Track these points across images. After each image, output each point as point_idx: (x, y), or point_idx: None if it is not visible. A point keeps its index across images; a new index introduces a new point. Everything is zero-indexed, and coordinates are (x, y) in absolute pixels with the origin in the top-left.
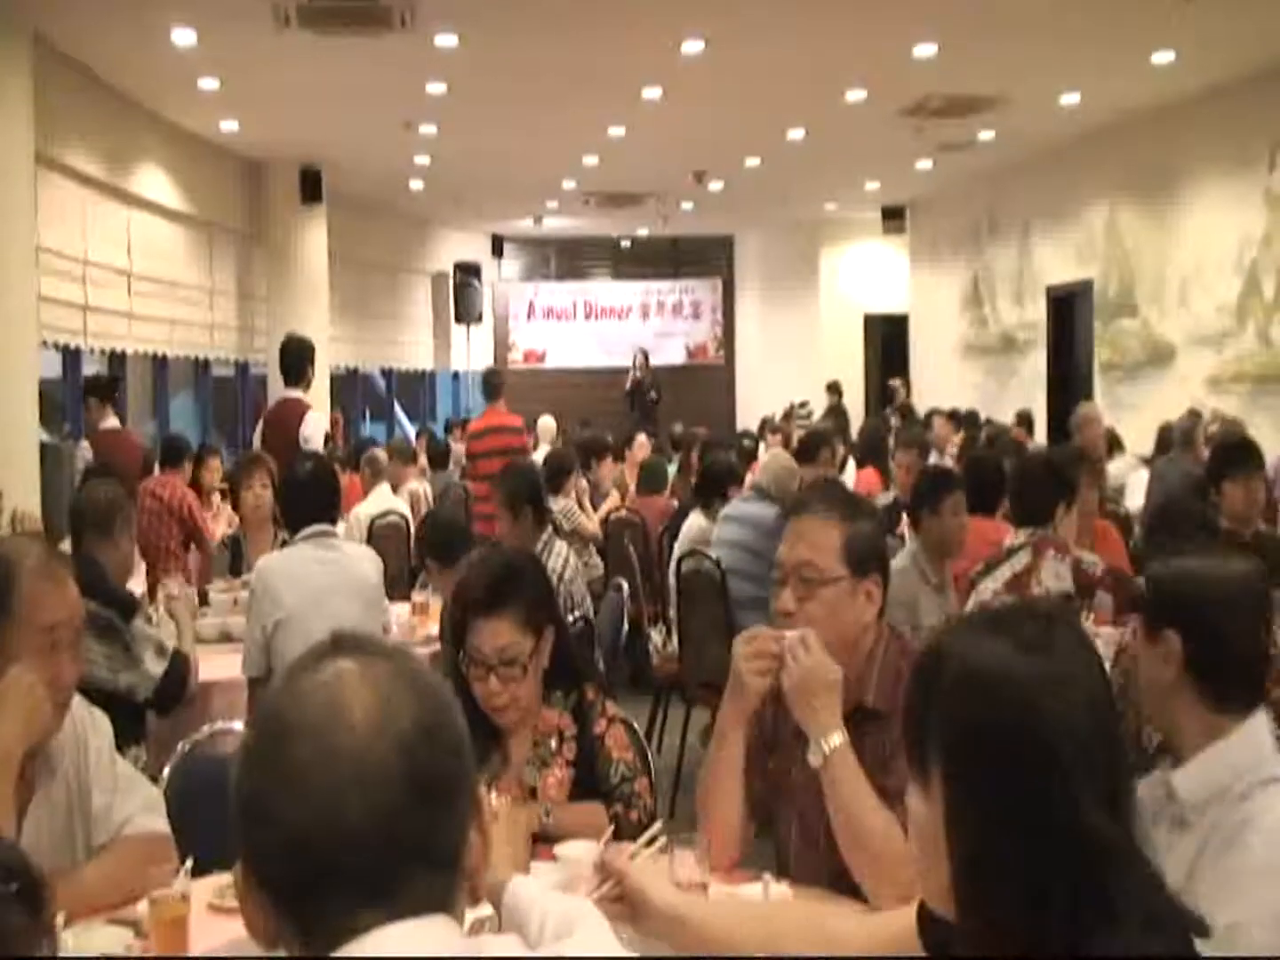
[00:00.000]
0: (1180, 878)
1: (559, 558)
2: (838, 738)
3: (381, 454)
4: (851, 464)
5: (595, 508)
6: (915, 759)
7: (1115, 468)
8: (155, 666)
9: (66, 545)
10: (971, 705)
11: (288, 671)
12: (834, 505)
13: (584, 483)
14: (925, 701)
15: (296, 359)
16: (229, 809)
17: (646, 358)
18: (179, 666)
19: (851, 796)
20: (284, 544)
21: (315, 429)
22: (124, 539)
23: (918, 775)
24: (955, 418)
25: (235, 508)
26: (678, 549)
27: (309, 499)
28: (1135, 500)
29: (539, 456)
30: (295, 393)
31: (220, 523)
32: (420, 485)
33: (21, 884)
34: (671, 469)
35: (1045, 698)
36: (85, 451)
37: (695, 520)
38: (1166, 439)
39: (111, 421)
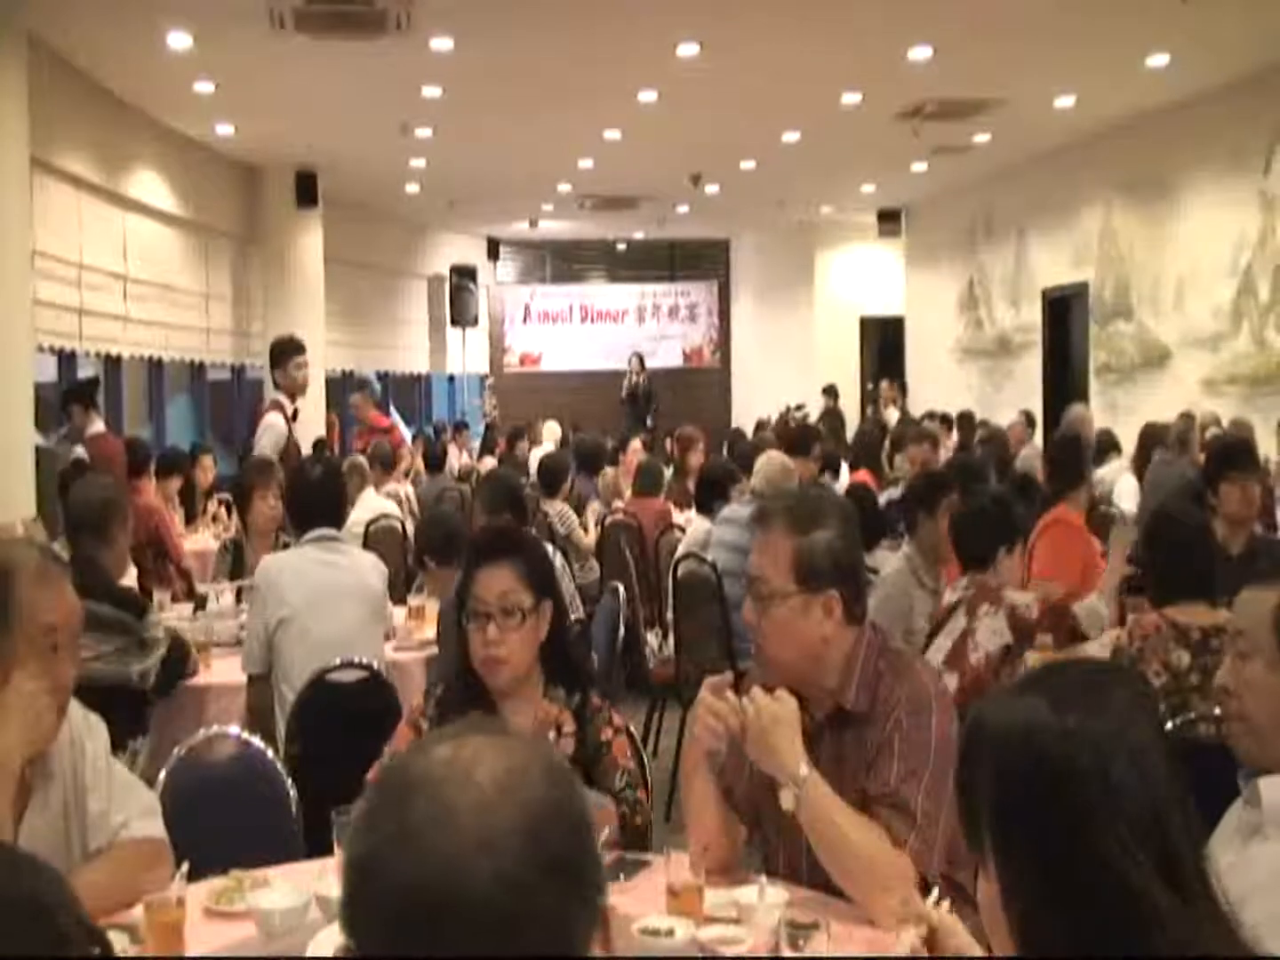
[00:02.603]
0: (1249, 887)
1: None
2: (803, 769)
3: (363, 460)
4: (845, 466)
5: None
6: (972, 837)
7: (1109, 471)
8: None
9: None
10: (1005, 766)
11: (416, 743)
12: (790, 518)
13: (579, 489)
14: (971, 774)
15: (272, 360)
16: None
17: (642, 362)
18: (179, 648)
19: (831, 824)
20: (285, 546)
21: (263, 431)
22: (120, 538)
23: (977, 852)
24: (946, 420)
25: (241, 513)
26: (680, 552)
27: (316, 502)
28: (1126, 503)
29: (535, 459)
30: (278, 393)
31: (211, 528)
32: (400, 487)
33: (101, 948)
34: (668, 472)
35: (1077, 754)
36: (78, 452)
37: (699, 524)
38: (1149, 441)
39: (97, 426)
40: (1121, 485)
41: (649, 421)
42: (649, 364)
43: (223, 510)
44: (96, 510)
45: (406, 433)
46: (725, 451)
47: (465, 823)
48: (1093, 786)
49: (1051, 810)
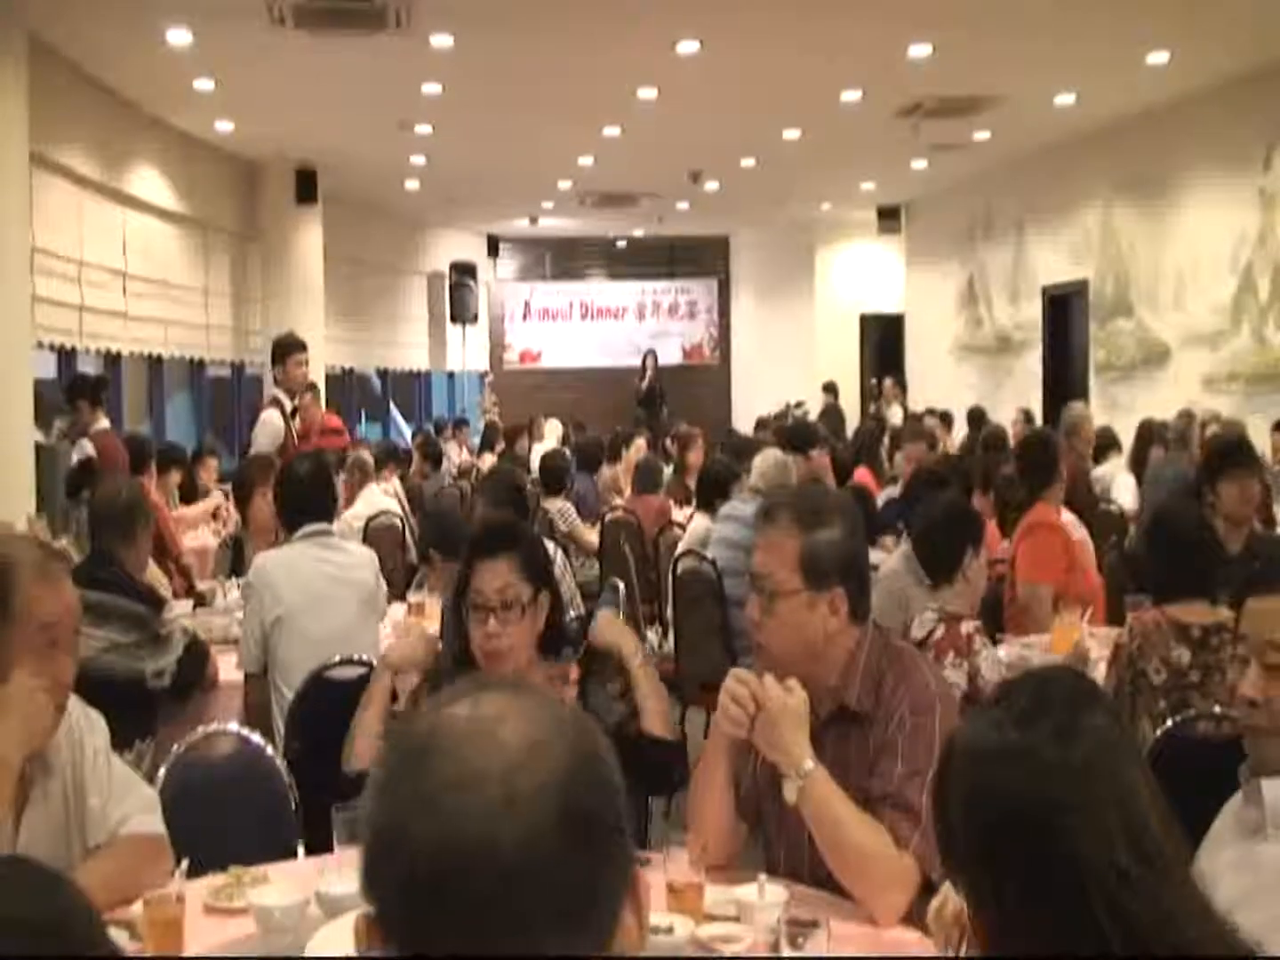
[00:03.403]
0: (1250, 887)
1: None
2: (808, 763)
3: (368, 457)
4: None
5: (596, 513)
6: (945, 854)
7: (1108, 468)
8: (181, 651)
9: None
10: (968, 782)
11: (429, 704)
12: (796, 515)
13: (578, 487)
14: (945, 793)
15: (272, 357)
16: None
17: (656, 359)
18: (198, 649)
19: (834, 820)
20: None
21: (260, 431)
22: (142, 538)
23: (950, 870)
24: (946, 418)
25: (242, 510)
26: (680, 549)
27: (307, 498)
28: (1123, 499)
29: (536, 456)
30: (278, 390)
31: (210, 524)
32: (390, 484)
33: None
34: (668, 470)
35: (1048, 777)
36: (87, 447)
37: (699, 522)
38: (1146, 438)
39: (103, 423)
40: (1119, 482)
41: (664, 416)
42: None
43: (224, 507)
44: (120, 509)
45: (406, 430)
46: (718, 450)
47: (490, 783)
48: (1067, 811)
49: (1018, 829)
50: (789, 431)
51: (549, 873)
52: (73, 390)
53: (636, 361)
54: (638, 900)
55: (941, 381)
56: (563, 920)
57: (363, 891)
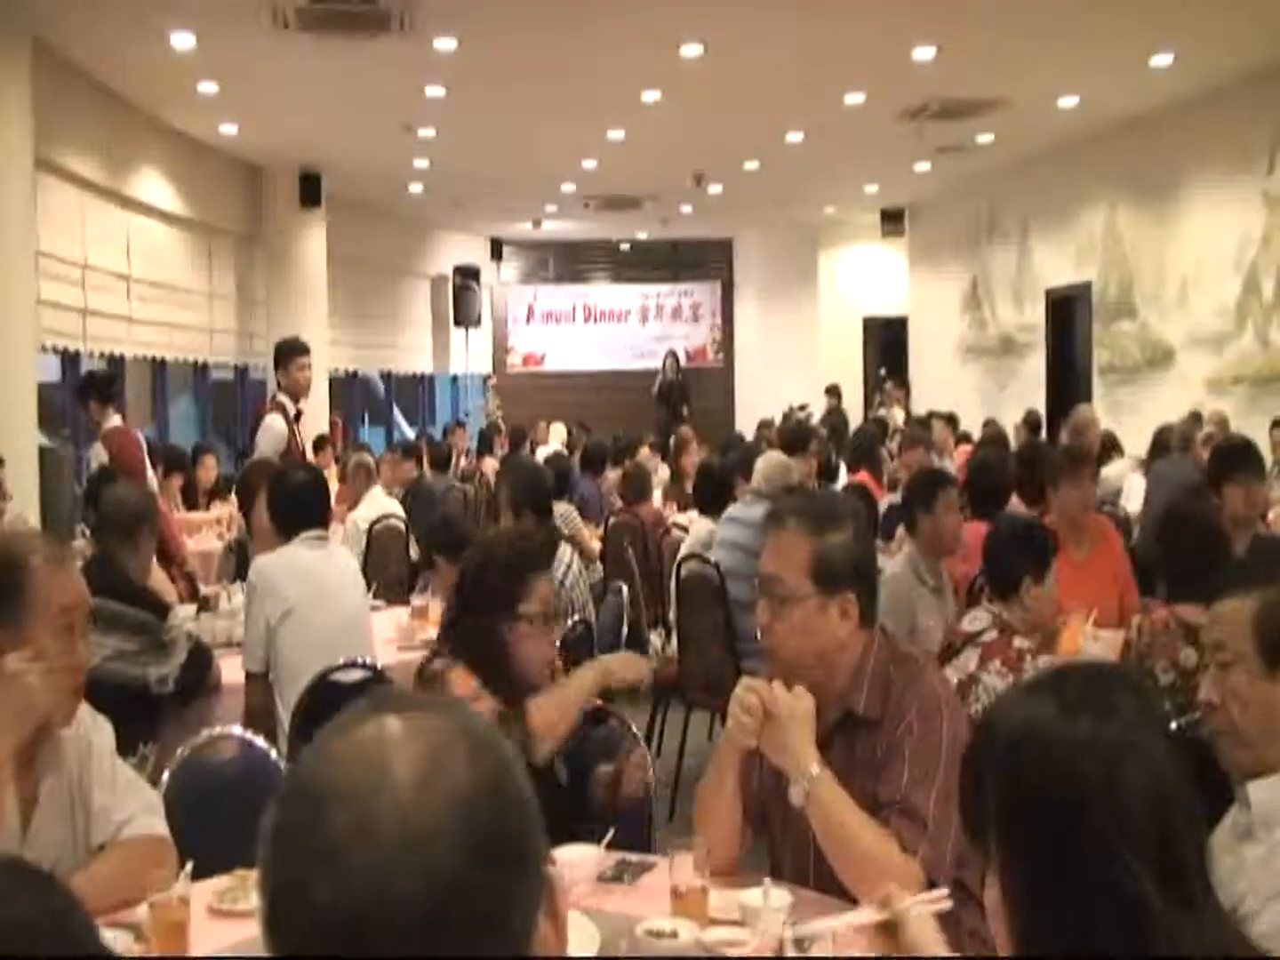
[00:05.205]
0: (1239, 888)
1: (561, 563)
2: (815, 768)
3: (370, 459)
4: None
5: (600, 516)
6: (976, 837)
7: (1113, 470)
8: (185, 656)
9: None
10: (1013, 769)
11: (318, 736)
12: (806, 519)
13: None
14: (979, 775)
15: (275, 360)
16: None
17: (677, 359)
18: (202, 653)
19: (839, 824)
20: None
21: (263, 436)
22: (146, 543)
23: (981, 853)
24: (953, 420)
25: (245, 515)
26: (682, 552)
27: (303, 507)
28: (1133, 503)
29: (539, 459)
30: (281, 394)
31: (216, 528)
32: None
33: None
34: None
35: (1084, 762)
36: (100, 454)
37: (701, 525)
38: (1163, 441)
39: (115, 420)
40: (1130, 485)
41: (686, 417)
42: (651, 365)
43: (227, 509)
44: (127, 514)
45: (409, 433)
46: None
47: (387, 828)
48: (1098, 795)
49: (1055, 816)
50: (786, 434)
51: (458, 903)
52: (84, 389)
53: (640, 364)
54: (553, 906)
55: (945, 384)
56: (475, 944)
57: (266, 947)
